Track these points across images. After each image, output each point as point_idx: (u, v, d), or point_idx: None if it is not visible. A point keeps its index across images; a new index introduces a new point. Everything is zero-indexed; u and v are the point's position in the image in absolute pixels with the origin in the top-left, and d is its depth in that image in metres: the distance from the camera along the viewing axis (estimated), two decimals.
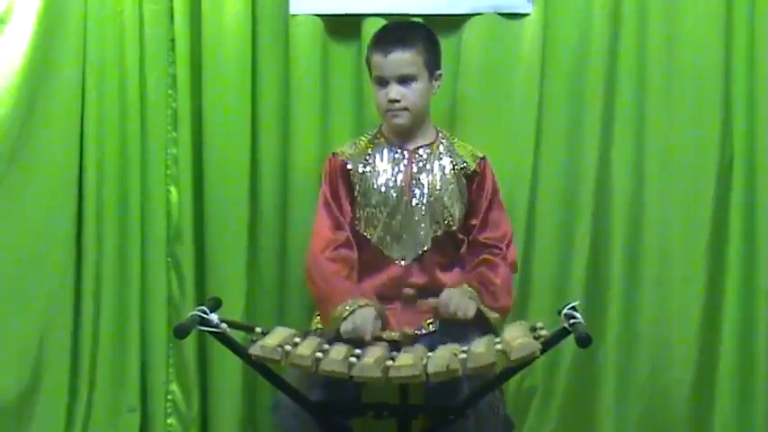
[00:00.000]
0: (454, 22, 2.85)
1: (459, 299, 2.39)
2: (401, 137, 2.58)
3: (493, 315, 2.45)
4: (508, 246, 2.57)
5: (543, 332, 2.21)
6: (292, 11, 2.84)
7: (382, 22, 2.76)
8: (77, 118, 2.87)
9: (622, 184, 2.88)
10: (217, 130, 2.90)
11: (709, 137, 2.85)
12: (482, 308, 2.43)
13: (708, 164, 2.85)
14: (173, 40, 2.90)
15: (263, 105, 2.92)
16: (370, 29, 2.73)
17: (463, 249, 2.60)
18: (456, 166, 2.57)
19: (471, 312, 2.38)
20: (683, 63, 2.85)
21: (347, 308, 2.35)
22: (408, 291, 2.52)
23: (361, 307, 2.35)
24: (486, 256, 2.53)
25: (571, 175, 2.90)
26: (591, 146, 2.86)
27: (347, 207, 2.57)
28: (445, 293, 2.43)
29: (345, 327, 2.32)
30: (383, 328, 2.38)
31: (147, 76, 2.91)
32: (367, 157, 2.58)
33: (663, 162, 2.87)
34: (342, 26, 2.87)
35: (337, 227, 2.53)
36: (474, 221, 2.58)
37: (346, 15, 2.85)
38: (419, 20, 2.78)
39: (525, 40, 2.83)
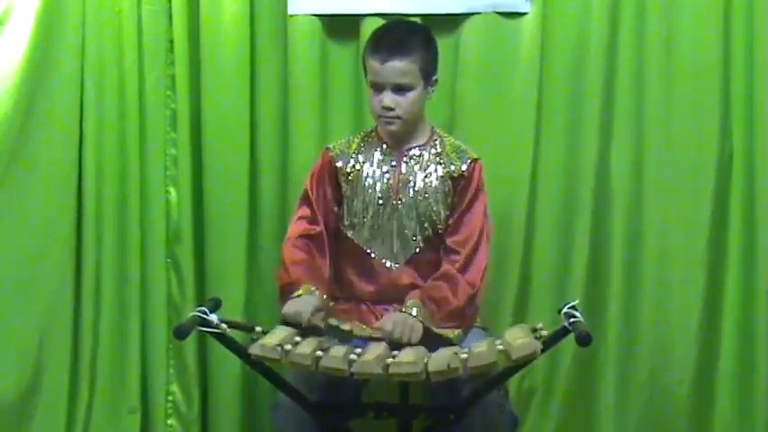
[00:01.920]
0: (452, 21, 2.85)
1: (402, 325, 2.27)
2: (394, 139, 2.57)
3: (448, 333, 2.36)
4: (473, 255, 2.45)
5: (544, 333, 2.21)
6: (290, 11, 2.84)
7: (381, 22, 2.75)
8: (77, 119, 2.87)
9: (622, 182, 2.88)
10: (216, 131, 2.90)
11: (709, 135, 2.84)
12: (434, 329, 2.33)
13: (707, 162, 2.85)
14: (171, 41, 2.90)
15: (261, 106, 2.92)
16: (369, 29, 2.72)
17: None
18: (444, 169, 2.52)
19: (416, 337, 2.27)
20: (681, 61, 2.84)
21: (296, 292, 2.35)
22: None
23: (307, 293, 2.34)
24: (447, 267, 2.44)
25: (570, 173, 2.89)
26: (590, 145, 2.86)
27: (330, 204, 2.54)
28: (387, 319, 2.32)
29: (287, 308, 2.31)
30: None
31: (146, 77, 2.91)
32: (357, 156, 2.55)
33: (662, 160, 2.87)
34: (340, 26, 2.87)
35: (312, 222, 2.51)
36: (450, 222, 2.51)
37: (344, 15, 2.85)
38: (417, 20, 2.78)
39: (524, 39, 2.83)
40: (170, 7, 2.88)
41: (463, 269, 2.44)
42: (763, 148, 2.83)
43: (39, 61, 2.80)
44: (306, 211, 2.53)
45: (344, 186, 2.54)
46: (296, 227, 2.52)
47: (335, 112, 2.91)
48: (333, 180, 2.55)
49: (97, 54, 2.87)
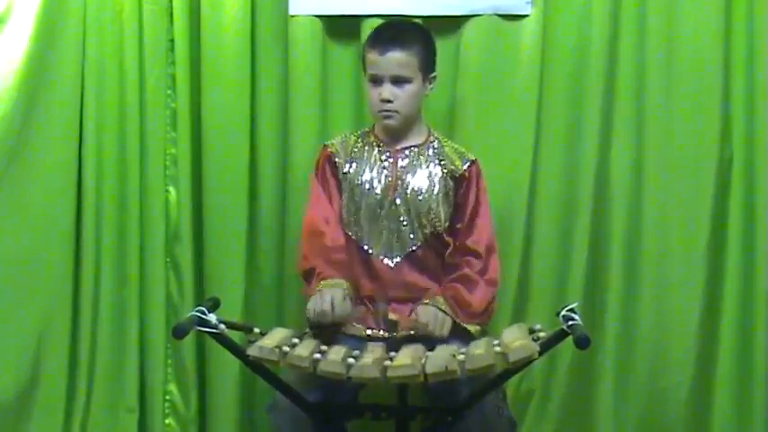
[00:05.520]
0: (453, 23, 2.85)
1: (435, 319, 2.37)
2: (391, 137, 2.57)
3: (473, 327, 2.43)
4: (489, 256, 2.52)
5: (542, 334, 2.20)
6: (292, 11, 2.84)
7: (381, 22, 2.76)
8: (77, 118, 2.87)
9: (622, 184, 2.88)
10: (216, 131, 2.90)
11: (709, 136, 2.84)
12: (458, 321, 2.40)
13: (707, 163, 2.85)
14: (172, 40, 2.90)
15: (262, 105, 2.92)
16: (370, 30, 2.73)
17: (448, 252, 2.55)
18: (444, 169, 2.55)
19: (446, 331, 2.37)
20: (682, 63, 2.84)
21: (318, 287, 2.37)
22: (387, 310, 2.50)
23: (329, 287, 2.36)
24: (466, 271, 2.48)
25: (570, 175, 2.89)
26: (590, 146, 2.86)
27: (336, 198, 2.56)
28: (422, 312, 2.39)
29: (312, 305, 2.33)
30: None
31: (147, 76, 2.91)
32: (354, 154, 2.57)
33: (662, 162, 2.87)
34: (341, 27, 2.87)
35: (327, 220, 2.53)
36: (459, 225, 2.54)
37: (345, 16, 2.85)
38: (418, 21, 2.78)
39: (524, 41, 2.83)
40: (171, 6, 2.88)
41: (484, 271, 2.49)
42: (764, 149, 2.84)
43: (39, 60, 2.80)
44: (321, 210, 2.55)
45: (343, 184, 2.55)
46: (309, 214, 2.56)
47: (336, 112, 2.91)
48: (334, 176, 2.57)
49: (98, 53, 2.87)
